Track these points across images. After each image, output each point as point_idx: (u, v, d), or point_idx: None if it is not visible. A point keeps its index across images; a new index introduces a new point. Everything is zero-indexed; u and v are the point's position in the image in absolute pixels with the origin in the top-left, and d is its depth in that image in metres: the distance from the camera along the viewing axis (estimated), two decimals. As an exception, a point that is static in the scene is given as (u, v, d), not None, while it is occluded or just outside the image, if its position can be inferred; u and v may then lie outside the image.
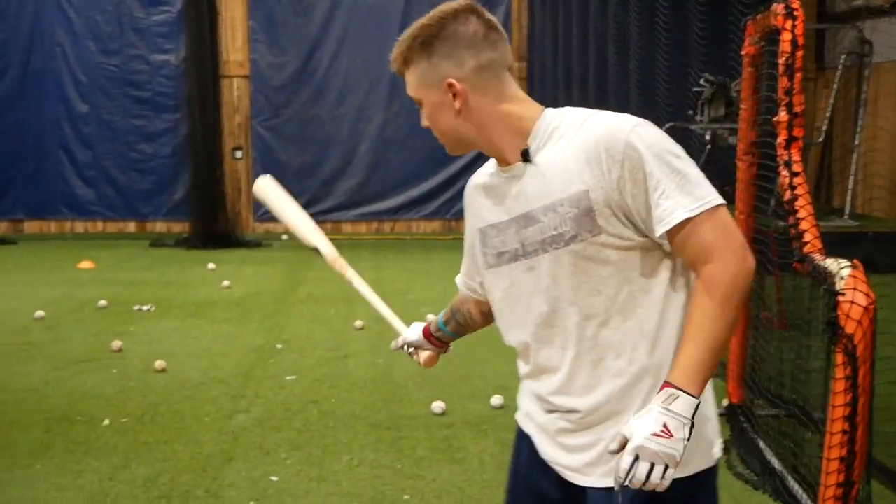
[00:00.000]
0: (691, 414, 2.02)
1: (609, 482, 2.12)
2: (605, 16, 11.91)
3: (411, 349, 2.87)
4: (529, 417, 2.42)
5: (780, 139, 4.32)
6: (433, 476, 5.00)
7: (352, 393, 6.49)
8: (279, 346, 7.88)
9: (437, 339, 2.82)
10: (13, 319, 8.87)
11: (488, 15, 2.23)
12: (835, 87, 12.34)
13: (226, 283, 10.75)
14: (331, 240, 2.97)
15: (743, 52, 5.58)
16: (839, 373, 3.52)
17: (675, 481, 2.03)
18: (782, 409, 5.24)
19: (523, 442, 2.46)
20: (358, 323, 8.44)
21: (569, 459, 2.30)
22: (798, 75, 4.30)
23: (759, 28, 5.17)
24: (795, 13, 4.40)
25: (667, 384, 2.06)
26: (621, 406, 2.21)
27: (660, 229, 2.09)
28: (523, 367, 2.40)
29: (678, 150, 2.13)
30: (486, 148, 2.28)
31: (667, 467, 1.99)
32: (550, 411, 2.33)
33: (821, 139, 12.53)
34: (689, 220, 2.07)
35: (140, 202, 15.60)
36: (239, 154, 15.47)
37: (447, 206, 15.65)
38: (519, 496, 2.52)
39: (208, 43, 14.65)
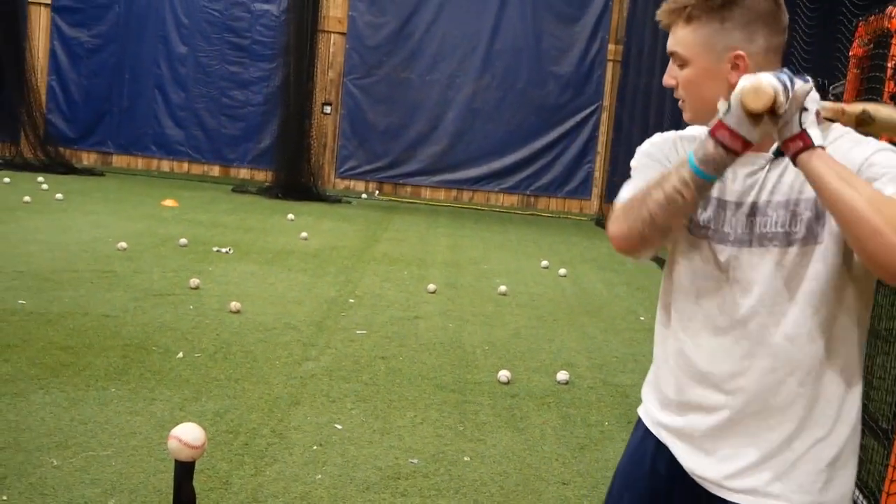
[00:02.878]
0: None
1: None
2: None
3: None
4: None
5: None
6: (494, 442, 5.05)
7: (420, 353, 6.57)
8: (352, 300, 7.98)
9: None
10: (97, 248, 9.12)
11: None
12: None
13: (304, 234, 10.92)
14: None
15: (851, 53, 5.50)
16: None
17: None
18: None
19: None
20: (431, 287, 8.51)
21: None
22: (906, 80, 4.24)
23: (871, 30, 5.10)
24: (911, 17, 4.34)
25: None
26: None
27: None
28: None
29: None
30: None
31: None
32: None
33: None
34: None
35: (226, 147, 15.89)
36: (328, 109, 15.63)
37: (528, 181, 15.65)
38: None
39: (310, -4, 14.82)
